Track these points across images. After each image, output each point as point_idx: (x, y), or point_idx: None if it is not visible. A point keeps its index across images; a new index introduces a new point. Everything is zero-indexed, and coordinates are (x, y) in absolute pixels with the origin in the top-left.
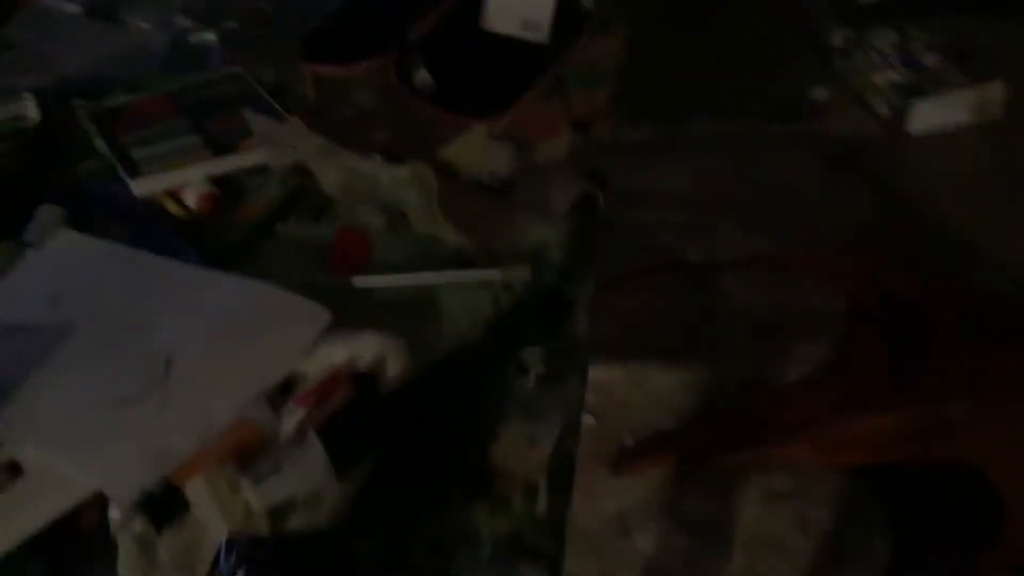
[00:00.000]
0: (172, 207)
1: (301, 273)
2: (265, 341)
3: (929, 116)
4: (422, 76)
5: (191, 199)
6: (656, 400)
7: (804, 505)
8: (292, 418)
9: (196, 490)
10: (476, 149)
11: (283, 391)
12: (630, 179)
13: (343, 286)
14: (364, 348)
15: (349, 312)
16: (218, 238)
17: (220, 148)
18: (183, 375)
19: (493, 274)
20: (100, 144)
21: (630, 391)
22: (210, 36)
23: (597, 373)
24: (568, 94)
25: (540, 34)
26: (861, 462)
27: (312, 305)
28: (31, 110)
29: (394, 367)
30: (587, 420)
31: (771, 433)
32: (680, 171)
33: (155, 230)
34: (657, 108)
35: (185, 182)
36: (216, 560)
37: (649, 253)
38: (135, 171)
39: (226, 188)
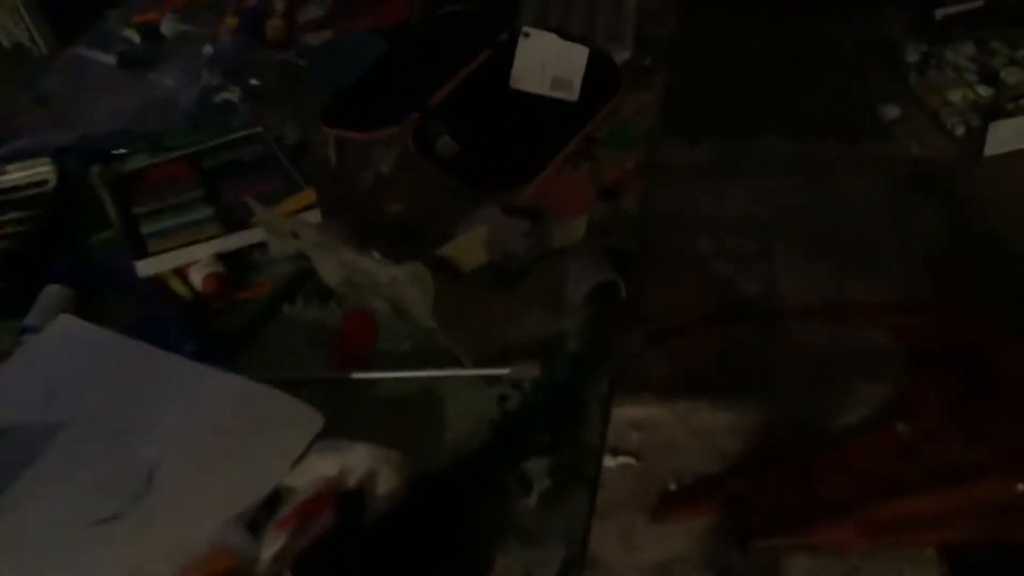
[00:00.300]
0: (178, 286)
1: (305, 358)
2: (254, 450)
3: (1009, 138)
4: (444, 142)
5: (197, 279)
6: (703, 441)
7: (855, 559)
8: (272, 545)
9: None
10: (478, 247)
11: (266, 504)
12: (687, 203)
13: (342, 379)
14: (355, 462)
15: (347, 407)
16: (223, 318)
17: (232, 223)
18: (166, 487)
19: (500, 371)
20: (113, 215)
21: (676, 430)
22: (235, 93)
23: (642, 411)
24: (597, 159)
25: (571, 94)
26: (914, 544)
27: (306, 409)
28: (49, 175)
29: (385, 484)
30: (624, 460)
31: (816, 492)
32: (740, 195)
33: (159, 313)
34: (719, 126)
35: (193, 260)
36: None
37: (704, 286)
38: (143, 249)
39: (234, 262)
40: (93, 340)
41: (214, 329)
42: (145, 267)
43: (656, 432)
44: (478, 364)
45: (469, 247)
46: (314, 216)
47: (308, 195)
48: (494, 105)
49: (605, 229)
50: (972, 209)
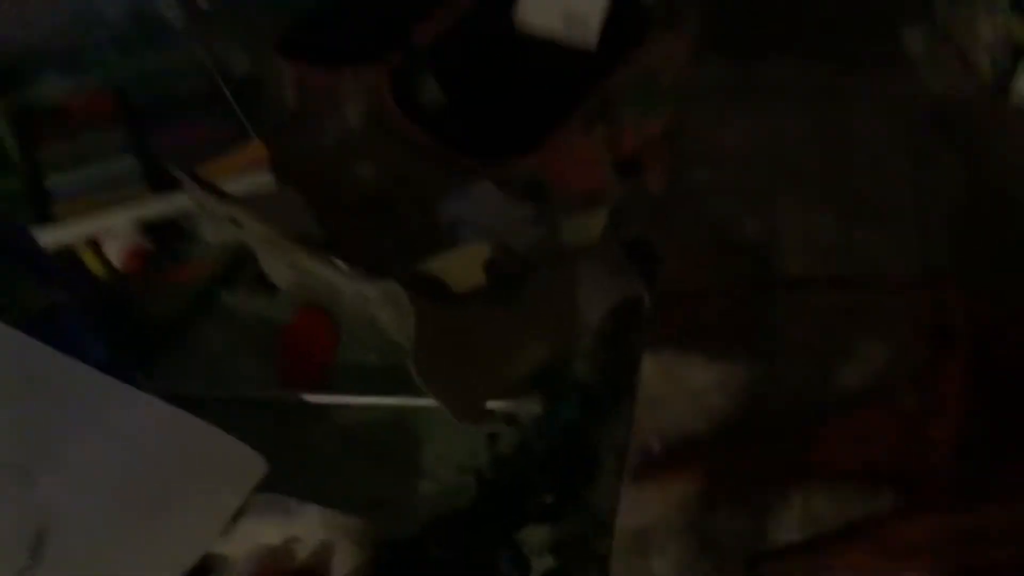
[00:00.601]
0: (91, 261)
1: (244, 366)
2: (178, 505)
3: None
4: (430, 89)
5: (114, 254)
6: (693, 399)
7: None
8: None
9: None
10: (476, 266)
11: None
12: (687, 128)
13: (292, 400)
14: (305, 530)
15: (295, 440)
16: (146, 306)
17: (160, 181)
18: (59, 557)
19: (495, 404)
20: (14, 158)
21: (663, 386)
22: (172, 7)
23: None
24: (617, 122)
25: (588, 35)
26: (944, 571)
27: (245, 451)
28: None
29: (343, 562)
30: None
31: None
32: (745, 124)
33: (64, 300)
34: (732, 43)
35: (109, 228)
36: None
37: (700, 225)
38: (46, 210)
39: (162, 233)
40: None
41: (133, 321)
42: (48, 236)
43: (639, 385)
44: (468, 417)
45: (464, 265)
46: (263, 178)
47: (257, 148)
48: (492, 48)
49: (622, 213)
50: (997, 160)
